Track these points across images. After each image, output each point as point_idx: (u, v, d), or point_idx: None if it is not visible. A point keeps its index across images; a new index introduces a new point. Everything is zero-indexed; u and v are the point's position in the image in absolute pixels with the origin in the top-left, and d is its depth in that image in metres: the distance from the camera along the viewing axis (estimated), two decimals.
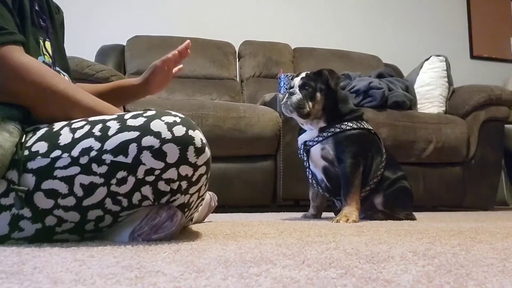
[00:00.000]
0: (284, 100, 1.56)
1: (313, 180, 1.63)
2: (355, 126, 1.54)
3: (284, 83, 2.38)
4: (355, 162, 1.49)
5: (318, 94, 1.54)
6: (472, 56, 4.10)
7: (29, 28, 0.88)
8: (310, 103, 1.52)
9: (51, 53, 0.98)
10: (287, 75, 2.40)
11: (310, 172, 1.62)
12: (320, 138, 1.54)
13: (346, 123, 1.54)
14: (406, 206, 1.61)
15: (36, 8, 0.94)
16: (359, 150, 1.51)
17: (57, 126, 0.81)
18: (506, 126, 2.63)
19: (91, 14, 3.13)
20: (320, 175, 1.60)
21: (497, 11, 4.20)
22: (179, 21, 3.30)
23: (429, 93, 2.64)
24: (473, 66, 4.05)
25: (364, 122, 1.60)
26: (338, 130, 1.52)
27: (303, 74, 1.57)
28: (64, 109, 0.85)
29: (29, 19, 0.89)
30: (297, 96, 1.53)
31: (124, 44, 2.97)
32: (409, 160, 2.36)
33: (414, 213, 1.64)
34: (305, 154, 1.59)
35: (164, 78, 1.18)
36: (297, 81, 1.56)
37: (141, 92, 1.20)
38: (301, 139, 1.62)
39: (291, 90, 1.55)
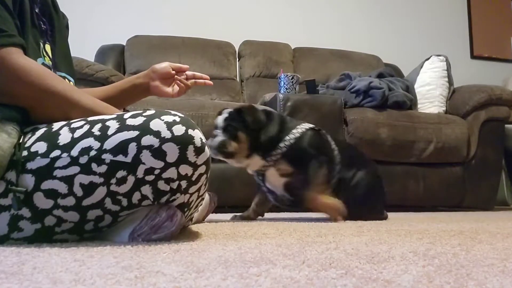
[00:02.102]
0: (208, 142, 1.46)
1: (271, 195, 1.57)
2: (296, 136, 1.48)
3: (284, 83, 2.38)
4: (317, 165, 1.47)
5: (241, 134, 1.44)
6: (472, 56, 4.10)
7: (29, 29, 0.88)
8: (234, 143, 1.44)
9: (51, 56, 0.98)
10: (287, 75, 2.40)
11: (267, 190, 1.56)
12: (271, 163, 1.48)
13: (283, 144, 1.46)
14: (372, 207, 1.59)
15: (36, 11, 0.94)
16: (313, 153, 1.48)
17: (56, 126, 0.81)
18: (506, 126, 2.63)
19: (91, 14, 3.13)
20: (280, 192, 1.53)
21: (497, 11, 4.20)
22: (179, 21, 3.30)
23: (429, 93, 2.64)
24: (473, 66, 4.05)
25: (301, 127, 1.52)
26: (284, 149, 1.46)
27: (226, 114, 1.48)
28: (63, 110, 0.85)
29: (29, 20, 0.89)
30: (219, 137, 1.45)
31: (124, 44, 2.97)
32: (409, 160, 2.36)
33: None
34: (260, 178, 1.54)
35: (166, 75, 1.19)
36: (220, 121, 1.47)
37: (145, 88, 1.21)
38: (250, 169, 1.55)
39: (214, 131, 1.49)
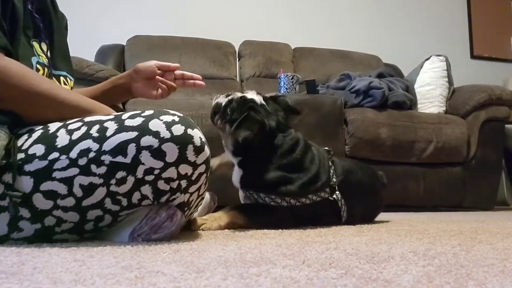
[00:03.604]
0: (220, 95, 1.28)
1: None
2: (306, 203, 1.20)
3: (284, 83, 2.38)
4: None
5: (228, 126, 1.19)
6: (472, 56, 4.10)
7: (20, 29, 0.87)
8: (220, 123, 1.22)
9: (48, 54, 0.97)
10: (287, 75, 2.40)
11: None
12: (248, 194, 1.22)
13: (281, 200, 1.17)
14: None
15: (30, 7, 0.92)
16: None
17: (52, 127, 0.80)
18: (506, 126, 2.63)
19: (91, 14, 3.13)
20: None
21: (497, 11, 4.20)
22: (179, 21, 3.30)
23: (429, 93, 2.64)
24: (473, 66, 4.05)
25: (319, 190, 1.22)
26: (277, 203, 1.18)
27: (249, 96, 1.23)
28: (52, 109, 0.83)
29: (21, 20, 0.87)
30: (220, 100, 1.25)
31: (124, 44, 2.97)
32: (409, 160, 2.36)
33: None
34: None
35: (150, 76, 1.14)
36: (239, 94, 1.26)
37: (126, 89, 1.17)
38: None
39: (230, 93, 1.27)
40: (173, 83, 1.18)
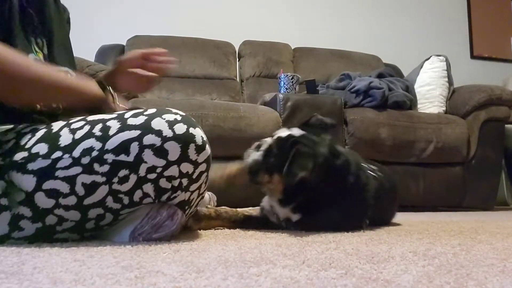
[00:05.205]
0: (249, 150, 1.16)
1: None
2: None
3: (284, 83, 2.38)
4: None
5: (276, 176, 1.05)
6: (472, 56, 4.10)
7: (17, 27, 0.86)
8: (266, 176, 1.08)
9: (45, 50, 0.96)
10: (287, 75, 2.40)
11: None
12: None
13: None
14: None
15: (24, 4, 0.90)
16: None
17: (56, 126, 0.81)
18: (506, 126, 2.63)
19: (91, 14, 3.13)
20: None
21: (497, 11, 4.20)
22: (179, 21, 3.29)
23: (429, 93, 2.64)
24: (473, 66, 4.05)
25: None
26: None
27: (283, 134, 1.08)
28: (31, 88, 0.80)
29: (17, 18, 0.86)
30: (255, 156, 1.10)
31: (124, 44, 2.97)
32: (409, 160, 2.36)
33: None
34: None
35: (132, 67, 1.02)
36: (269, 139, 1.12)
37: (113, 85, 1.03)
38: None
39: (259, 143, 1.13)
40: (151, 74, 1.01)
